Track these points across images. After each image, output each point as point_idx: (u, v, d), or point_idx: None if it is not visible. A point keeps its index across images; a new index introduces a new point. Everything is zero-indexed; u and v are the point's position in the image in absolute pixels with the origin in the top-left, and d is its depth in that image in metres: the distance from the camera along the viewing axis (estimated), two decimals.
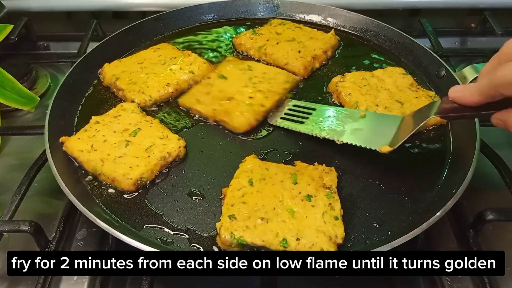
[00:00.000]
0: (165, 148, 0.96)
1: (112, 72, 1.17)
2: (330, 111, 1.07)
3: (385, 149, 0.90)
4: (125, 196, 0.92)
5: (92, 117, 1.04)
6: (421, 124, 0.85)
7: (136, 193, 0.92)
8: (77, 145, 0.97)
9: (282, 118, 1.07)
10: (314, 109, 1.08)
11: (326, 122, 1.04)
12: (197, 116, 1.10)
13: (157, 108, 1.12)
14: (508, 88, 0.63)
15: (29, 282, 0.88)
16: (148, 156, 0.94)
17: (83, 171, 0.96)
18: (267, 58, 1.27)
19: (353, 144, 0.96)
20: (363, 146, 0.94)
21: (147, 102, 1.11)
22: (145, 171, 0.92)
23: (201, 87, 1.14)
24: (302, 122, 1.05)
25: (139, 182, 0.92)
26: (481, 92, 0.69)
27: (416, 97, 1.10)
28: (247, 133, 1.05)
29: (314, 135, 1.02)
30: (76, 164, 0.97)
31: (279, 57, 1.25)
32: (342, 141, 0.97)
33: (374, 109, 1.06)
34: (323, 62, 1.27)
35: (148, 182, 0.93)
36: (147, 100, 1.11)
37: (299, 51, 1.24)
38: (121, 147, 0.96)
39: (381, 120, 0.99)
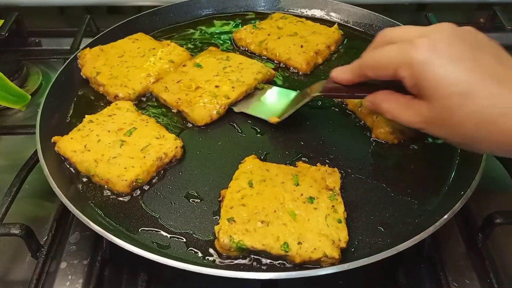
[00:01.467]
0: (162, 148, 0.96)
1: (93, 64, 1.17)
2: None
3: (273, 119, 1.03)
4: (120, 198, 0.92)
5: (86, 116, 1.04)
6: (306, 101, 0.97)
7: (131, 195, 0.92)
8: (69, 145, 0.96)
9: None
10: None
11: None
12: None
13: (150, 104, 1.13)
14: (370, 69, 0.78)
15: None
16: (144, 157, 0.94)
17: (76, 172, 0.96)
18: (268, 53, 1.27)
19: (247, 113, 1.07)
20: (256, 115, 1.06)
21: (131, 96, 1.11)
22: (141, 172, 0.92)
23: (174, 75, 1.16)
24: None
25: (134, 183, 0.92)
26: (352, 72, 0.83)
27: None
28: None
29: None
30: (69, 165, 0.97)
31: (281, 52, 1.25)
32: (239, 110, 1.08)
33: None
34: (326, 58, 1.28)
35: (143, 184, 0.93)
36: (131, 93, 1.11)
37: (301, 46, 1.25)
38: (115, 147, 0.96)
39: (278, 94, 1.12)
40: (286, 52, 1.24)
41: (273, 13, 1.42)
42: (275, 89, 1.14)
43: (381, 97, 0.80)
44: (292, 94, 1.09)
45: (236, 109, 1.08)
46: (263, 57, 1.28)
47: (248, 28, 1.33)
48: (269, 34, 1.30)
